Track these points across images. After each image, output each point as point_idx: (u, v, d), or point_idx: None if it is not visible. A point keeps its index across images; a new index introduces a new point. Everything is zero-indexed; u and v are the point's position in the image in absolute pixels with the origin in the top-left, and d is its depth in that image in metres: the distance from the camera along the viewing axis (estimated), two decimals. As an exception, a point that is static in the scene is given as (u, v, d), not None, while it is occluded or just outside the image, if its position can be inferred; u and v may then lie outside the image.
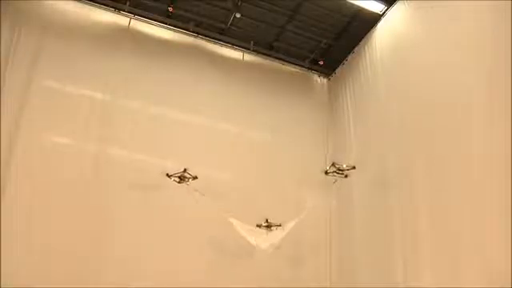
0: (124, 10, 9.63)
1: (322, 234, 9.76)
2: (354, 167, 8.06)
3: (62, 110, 8.43)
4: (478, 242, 5.90)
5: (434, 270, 6.64)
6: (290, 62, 11.12)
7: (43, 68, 8.50)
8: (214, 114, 9.76)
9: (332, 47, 10.84)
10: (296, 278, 9.16)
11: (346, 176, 8.09)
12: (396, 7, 8.96)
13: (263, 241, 7.93)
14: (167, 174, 8.20)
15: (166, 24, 10.01)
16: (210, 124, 9.70)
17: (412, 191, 7.43)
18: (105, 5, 9.51)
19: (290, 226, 8.09)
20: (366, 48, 9.77)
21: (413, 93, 7.93)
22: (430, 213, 6.94)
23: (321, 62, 11.15)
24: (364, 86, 9.65)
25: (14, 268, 7.11)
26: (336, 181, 8.05)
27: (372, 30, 9.63)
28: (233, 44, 10.59)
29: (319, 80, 11.45)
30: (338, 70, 11.07)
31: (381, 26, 9.39)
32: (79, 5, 9.32)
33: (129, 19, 9.69)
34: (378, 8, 9.30)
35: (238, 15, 9.77)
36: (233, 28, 10.36)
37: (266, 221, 8.39)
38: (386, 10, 9.22)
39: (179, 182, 8.13)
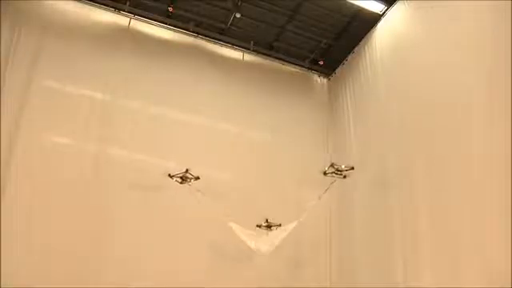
0: (124, 10, 9.62)
1: (322, 234, 9.77)
2: (352, 168, 8.05)
3: (62, 110, 8.43)
4: (478, 241, 5.90)
5: (434, 269, 6.64)
6: (289, 62, 11.11)
7: (43, 68, 8.49)
8: (214, 114, 9.75)
9: (332, 47, 10.83)
10: (296, 278, 9.16)
11: (345, 177, 8.06)
12: (396, 7, 8.95)
13: (263, 243, 7.91)
14: (169, 175, 8.10)
15: (166, 24, 10.00)
16: (210, 124, 9.70)
17: (412, 191, 7.43)
18: (105, 5, 9.51)
19: (290, 226, 8.05)
20: (366, 48, 9.77)
21: (413, 93, 7.93)
22: (430, 213, 6.94)
23: (321, 62, 11.14)
24: (364, 85, 9.64)
25: (14, 268, 7.10)
26: (334, 181, 8.02)
27: (372, 30, 9.63)
28: (233, 44, 10.58)
29: (319, 80, 11.44)
30: (338, 70, 11.06)
31: (381, 26, 9.39)
32: (79, 5, 9.32)
33: (129, 19, 9.68)
34: (378, 8, 9.29)
35: (238, 15, 9.76)
36: (233, 28, 10.36)
37: (266, 221, 8.36)
38: (386, 10, 9.21)
39: (181, 183, 8.07)
